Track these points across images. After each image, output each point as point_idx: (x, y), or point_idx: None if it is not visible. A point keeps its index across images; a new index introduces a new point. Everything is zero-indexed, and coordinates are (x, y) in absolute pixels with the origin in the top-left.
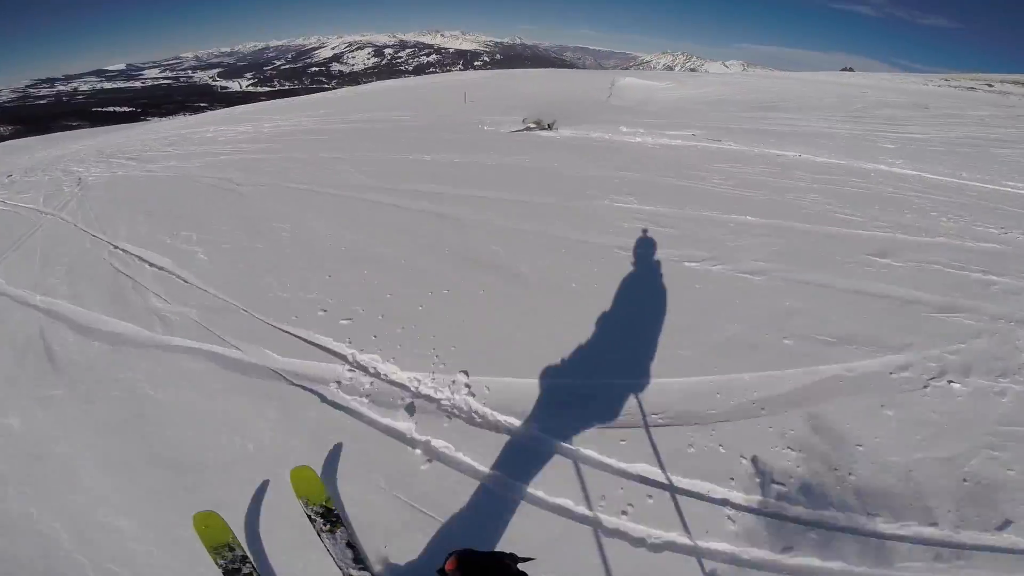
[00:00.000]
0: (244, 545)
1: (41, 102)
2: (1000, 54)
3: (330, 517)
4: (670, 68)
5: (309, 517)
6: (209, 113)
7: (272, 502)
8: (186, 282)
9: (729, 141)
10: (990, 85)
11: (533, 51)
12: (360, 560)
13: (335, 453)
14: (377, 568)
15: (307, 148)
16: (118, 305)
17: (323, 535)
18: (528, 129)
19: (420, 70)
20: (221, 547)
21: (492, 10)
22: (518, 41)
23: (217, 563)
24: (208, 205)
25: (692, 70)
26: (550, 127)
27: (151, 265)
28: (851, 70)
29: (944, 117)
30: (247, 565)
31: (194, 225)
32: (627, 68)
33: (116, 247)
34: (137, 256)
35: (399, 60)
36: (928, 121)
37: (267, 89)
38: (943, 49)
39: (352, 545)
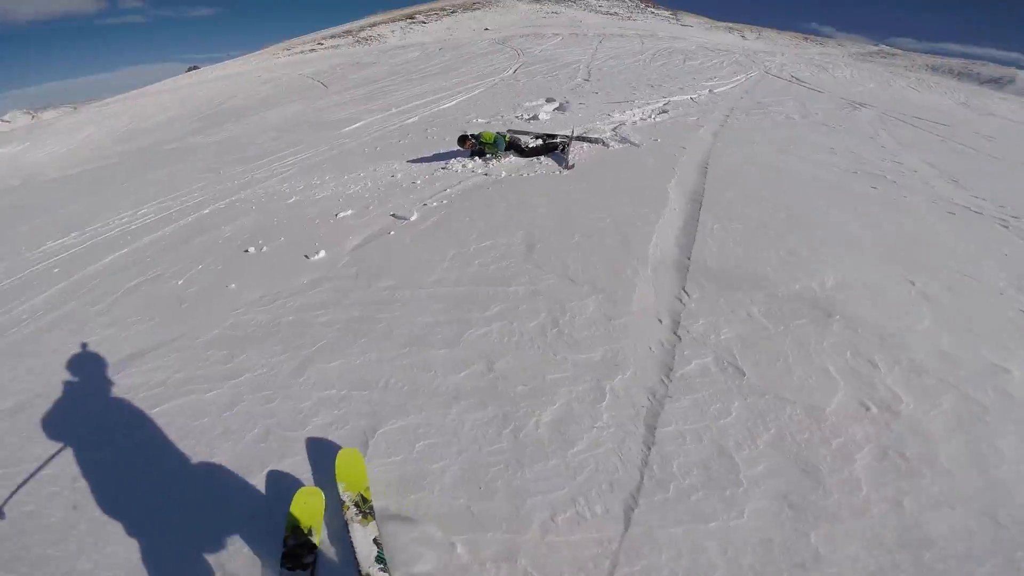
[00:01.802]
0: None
1: None
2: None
3: (364, 508)
4: None
5: (343, 503)
6: None
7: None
8: None
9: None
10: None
11: None
12: (382, 560)
13: None
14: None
15: None
16: None
17: (352, 524)
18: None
19: None
20: (303, 528)
21: None
22: None
23: (286, 540)
24: None
25: None
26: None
27: None
28: (197, 67)
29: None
30: (311, 555)
31: None
32: None
33: None
34: None
35: None
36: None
37: None
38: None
39: (378, 542)
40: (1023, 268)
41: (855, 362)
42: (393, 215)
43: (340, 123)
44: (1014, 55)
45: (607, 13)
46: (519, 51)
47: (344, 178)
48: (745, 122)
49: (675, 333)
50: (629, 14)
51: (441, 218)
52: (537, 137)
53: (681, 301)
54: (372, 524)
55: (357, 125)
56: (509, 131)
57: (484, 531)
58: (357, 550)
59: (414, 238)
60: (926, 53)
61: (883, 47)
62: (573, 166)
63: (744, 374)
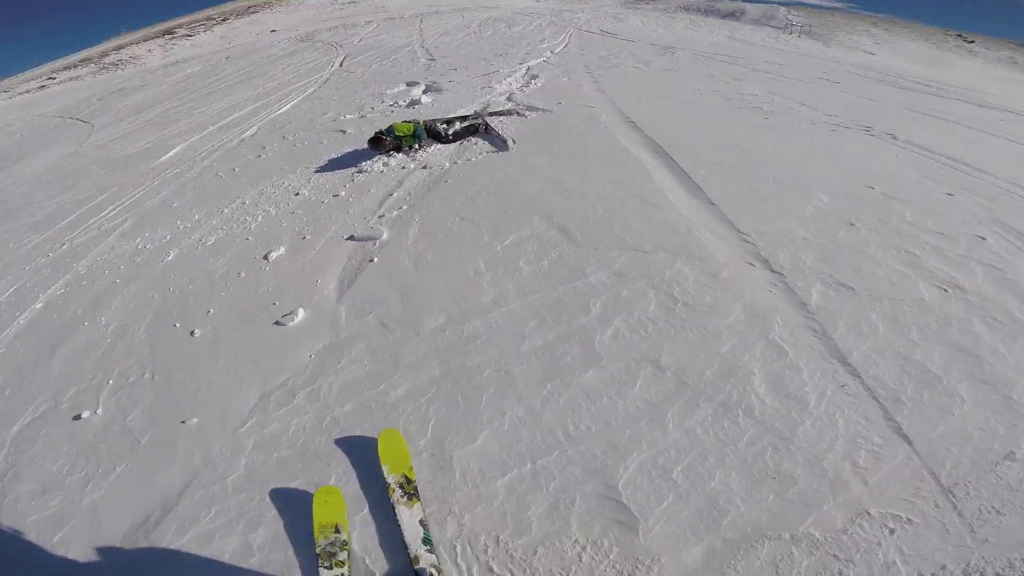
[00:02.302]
0: (350, 532)
1: None
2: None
3: (409, 489)
4: None
5: (388, 484)
6: None
7: None
8: None
9: None
10: None
11: None
12: (428, 541)
13: None
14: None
15: None
16: None
17: (399, 507)
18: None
19: None
20: (328, 526)
21: None
22: None
23: (317, 541)
24: None
25: None
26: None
27: None
28: None
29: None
30: (343, 552)
31: None
32: None
33: None
34: None
35: None
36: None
37: None
38: None
39: (424, 523)
40: (918, 162)
41: (904, 256)
42: (351, 238)
43: (147, 155)
44: None
45: None
46: (335, 44)
47: (225, 211)
48: (609, 76)
49: (773, 271)
50: None
51: (423, 227)
52: (449, 121)
53: (748, 241)
54: (418, 505)
55: (175, 151)
56: (424, 120)
57: (819, 507)
58: (404, 532)
59: (413, 258)
60: None
61: None
62: (515, 140)
63: (853, 289)
